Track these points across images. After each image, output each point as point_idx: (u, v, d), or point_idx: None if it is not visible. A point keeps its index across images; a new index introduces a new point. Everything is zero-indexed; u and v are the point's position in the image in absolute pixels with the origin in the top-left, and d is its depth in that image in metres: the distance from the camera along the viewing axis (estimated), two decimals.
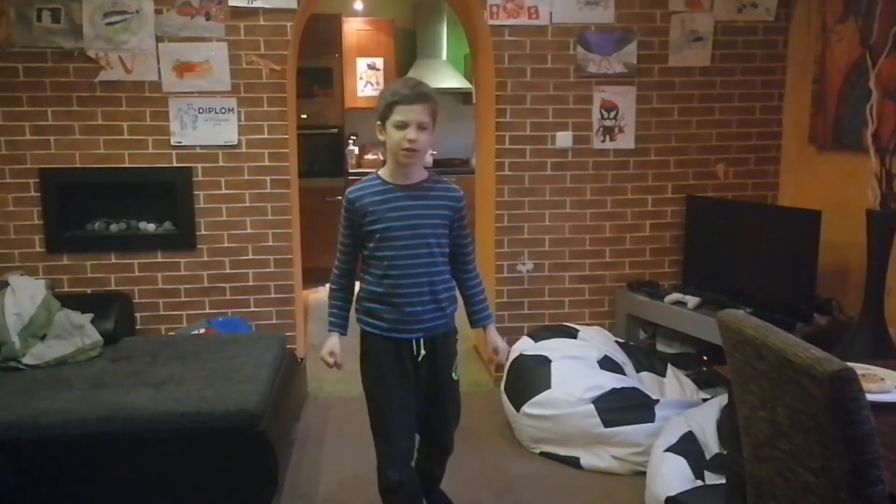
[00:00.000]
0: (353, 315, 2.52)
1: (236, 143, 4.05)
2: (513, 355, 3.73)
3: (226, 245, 4.13)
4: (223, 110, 4.00)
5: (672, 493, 2.69)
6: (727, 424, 2.47)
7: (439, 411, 2.57)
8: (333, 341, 2.50)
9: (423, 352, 2.44)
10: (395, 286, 2.37)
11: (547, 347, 3.66)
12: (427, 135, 2.30)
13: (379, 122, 2.33)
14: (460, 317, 2.54)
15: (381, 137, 2.35)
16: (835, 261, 3.74)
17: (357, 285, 2.54)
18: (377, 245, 2.36)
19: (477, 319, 2.58)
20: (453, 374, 2.55)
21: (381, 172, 2.42)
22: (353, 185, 2.45)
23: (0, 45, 3.82)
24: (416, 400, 2.48)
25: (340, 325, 2.52)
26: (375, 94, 7.00)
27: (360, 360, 2.51)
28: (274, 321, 4.20)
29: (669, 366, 3.84)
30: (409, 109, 2.25)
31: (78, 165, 3.96)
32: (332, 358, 2.48)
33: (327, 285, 2.55)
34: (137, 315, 4.09)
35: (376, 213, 2.35)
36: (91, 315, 3.54)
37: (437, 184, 2.44)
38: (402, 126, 2.26)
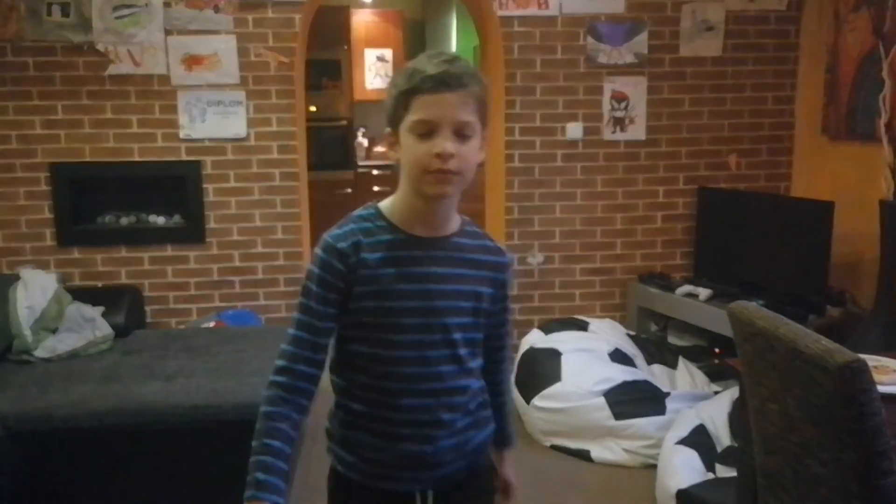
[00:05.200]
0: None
1: (245, 135, 4.05)
2: (523, 348, 3.73)
3: (235, 238, 4.14)
4: (232, 103, 4.00)
5: (683, 486, 2.68)
6: (738, 417, 2.46)
7: None
8: None
9: None
10: (392, 406, 1.42)
11: (557, 340, 3.66)
12: (472, 146, 1.33)
13: (389, 129, 1.37)
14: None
15: (392, 154, 1.38)
16: (847, 252, 3.71)
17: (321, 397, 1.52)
18: (366, 334, 1.40)
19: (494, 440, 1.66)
20: None
21: (388, 209, 1.42)
22: (334, 227, 1.41)
23: (10, 39, 3.83)
24: None
25: (278, 488, 1.35)
26: (385, 85, 7.02)
27: None
28: (283, 314, 4.20)
29: (681, 358, 3.82)
30: (436, 101, 1.29)
31: (88, 159, 3.98)
32: None
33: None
34: (148, 308, 4.11)
35: (375, 281, 1.37)
36: (102, 308, 3.55)
37: (476, 240, 1.47)
38: (426, 131, 1.30)
